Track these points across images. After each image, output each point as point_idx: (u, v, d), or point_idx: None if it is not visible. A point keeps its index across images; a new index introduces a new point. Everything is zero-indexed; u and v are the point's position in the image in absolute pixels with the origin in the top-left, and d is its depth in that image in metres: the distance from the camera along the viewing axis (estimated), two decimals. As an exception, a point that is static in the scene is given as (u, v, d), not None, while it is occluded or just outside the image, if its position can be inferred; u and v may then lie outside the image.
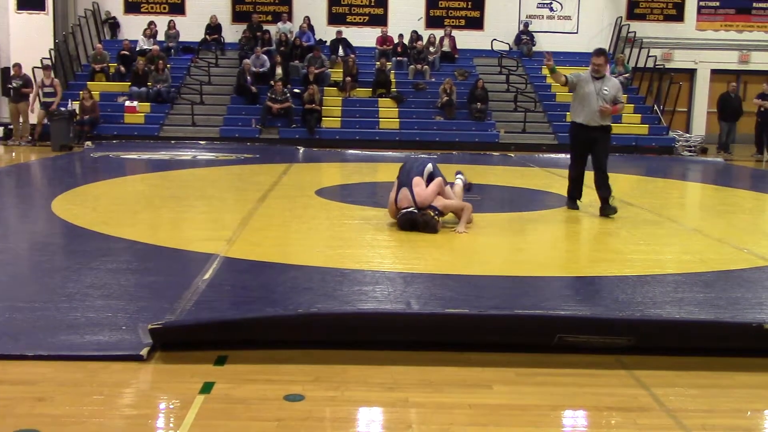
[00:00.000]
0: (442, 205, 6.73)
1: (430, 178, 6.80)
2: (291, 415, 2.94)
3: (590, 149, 7.81)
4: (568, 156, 8.22)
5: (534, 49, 20.92)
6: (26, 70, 17.01)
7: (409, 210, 6.62)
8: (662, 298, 4.77)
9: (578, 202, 8.15)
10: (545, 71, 20.07)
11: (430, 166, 6.92)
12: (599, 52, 7.81)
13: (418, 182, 6.70)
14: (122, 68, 18.53)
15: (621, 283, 5.14)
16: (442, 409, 3.03)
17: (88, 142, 15.72)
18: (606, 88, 7.63)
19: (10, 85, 16.72)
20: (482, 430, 2.88)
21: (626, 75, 19.51)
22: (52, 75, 16.75)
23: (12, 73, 16.66)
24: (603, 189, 7.74)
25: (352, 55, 19.47)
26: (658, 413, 3.06)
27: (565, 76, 7.92)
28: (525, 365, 3.51)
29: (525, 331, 3.74)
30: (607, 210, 7.68)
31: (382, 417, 3.01)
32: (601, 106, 7.60)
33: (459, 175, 7.53)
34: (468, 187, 7.54)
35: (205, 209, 8.12)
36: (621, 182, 9.77)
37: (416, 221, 6.57)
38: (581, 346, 3.67)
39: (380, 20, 21.03)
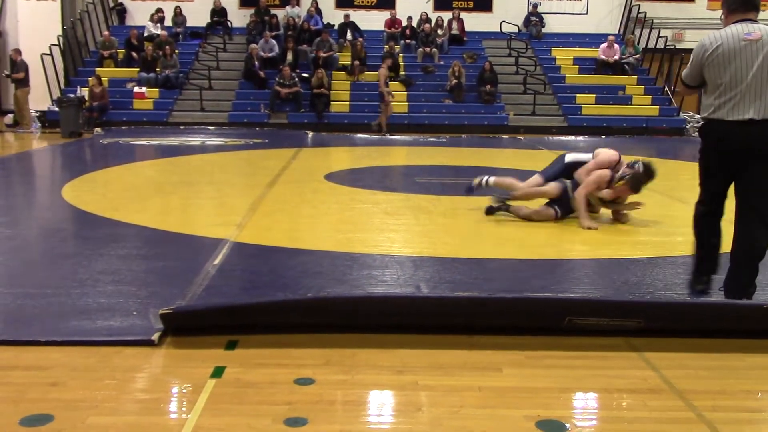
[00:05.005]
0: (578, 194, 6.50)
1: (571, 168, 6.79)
2: (302, 399, 2.95)
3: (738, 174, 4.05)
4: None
5: (543, 30, 20.78)
6: (35, 57, 17.05)
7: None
8: (672, 280, 4.76)
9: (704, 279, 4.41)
10: (556, 53, 20.09)
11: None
12: None
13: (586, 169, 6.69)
14: (133, 54, 18.49)
15: (631, 265, 5.13)
16: (452, 392, 3.04)
17: (98, 129, 15.78)
18: None
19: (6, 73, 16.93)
20: (492, 412, 2.89)
21: (636, 56, 19.37)
22: None
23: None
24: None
25: (360, 39, 19.40)
26: (668, 395, 3.06)
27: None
28: (534, 348, 3.52)
29: (534, 313, 3.75)
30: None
31: (392, 400, 3.02)
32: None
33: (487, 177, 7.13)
34: (470, 189, 7.15)
35: (215, 194, 8.14)
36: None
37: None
38: (591, 328, 3.66)
39: (388, 3, 20.91)
